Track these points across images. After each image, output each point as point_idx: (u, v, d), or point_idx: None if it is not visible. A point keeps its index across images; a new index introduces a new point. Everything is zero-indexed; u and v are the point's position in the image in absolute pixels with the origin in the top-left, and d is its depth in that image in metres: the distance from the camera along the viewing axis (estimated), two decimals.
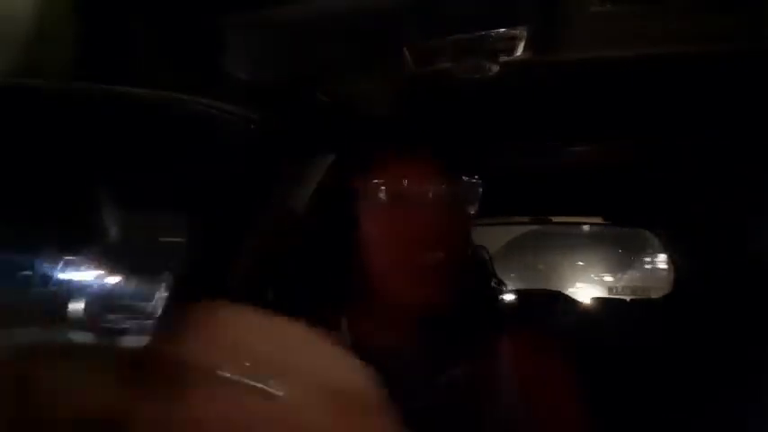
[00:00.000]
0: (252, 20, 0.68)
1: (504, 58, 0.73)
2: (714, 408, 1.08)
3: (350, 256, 0.71)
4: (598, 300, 1.87)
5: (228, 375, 0.23)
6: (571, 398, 0.71)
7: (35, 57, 0.70)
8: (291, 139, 1.09)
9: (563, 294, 1.82)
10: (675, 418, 1.18)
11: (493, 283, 0.78)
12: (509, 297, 1.76)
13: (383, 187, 0.70)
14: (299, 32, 0.70)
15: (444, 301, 0.69)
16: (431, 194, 0.69)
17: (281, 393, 0.23)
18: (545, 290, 2.08)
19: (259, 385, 0.23)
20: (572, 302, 1.72)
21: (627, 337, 1.38)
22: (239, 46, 0.73)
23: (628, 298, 1.87)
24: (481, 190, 0.72)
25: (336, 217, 0.75)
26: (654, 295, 1.98)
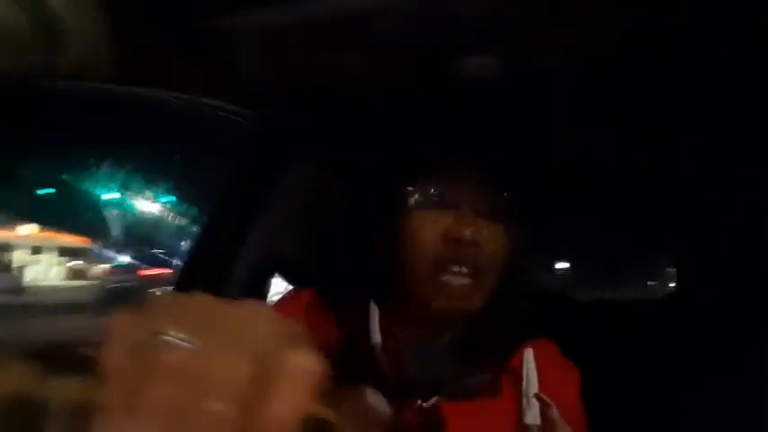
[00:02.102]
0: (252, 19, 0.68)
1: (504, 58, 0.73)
2: (714, 408, 1.08)
3: (386, 255, 0.72)
4: (597, 300, 1.87)
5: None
6: (581, 405, 0.74)
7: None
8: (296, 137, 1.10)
9: (562, 294, 1.82)
10: (675, 418, 1.18)
11: (521, 294, 0.78)
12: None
13: (423, 192, 0.71)
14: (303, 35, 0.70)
15: (475, 308, 0.70)
16: (471, 203, 0.69)
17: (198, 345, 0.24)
18: (544, 290, 2.07)
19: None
20: (571, 302, 1.72)
21: (627, 339, 1.38)
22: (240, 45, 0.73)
23: (628, 298, 1.87)
24: (516, 210, 0.72)
25: (376, 217, 0.76)
26: (654, 296, 1.98)
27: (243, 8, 0.66)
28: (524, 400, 0.68)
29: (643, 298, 1.90)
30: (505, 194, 0.72)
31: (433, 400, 0.68)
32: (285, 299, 0.85)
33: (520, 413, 0.68)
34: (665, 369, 1.27)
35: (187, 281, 1.10)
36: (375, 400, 0.64)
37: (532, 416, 0.67)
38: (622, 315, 1.63)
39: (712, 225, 1.46)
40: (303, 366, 0.25)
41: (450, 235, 0.68)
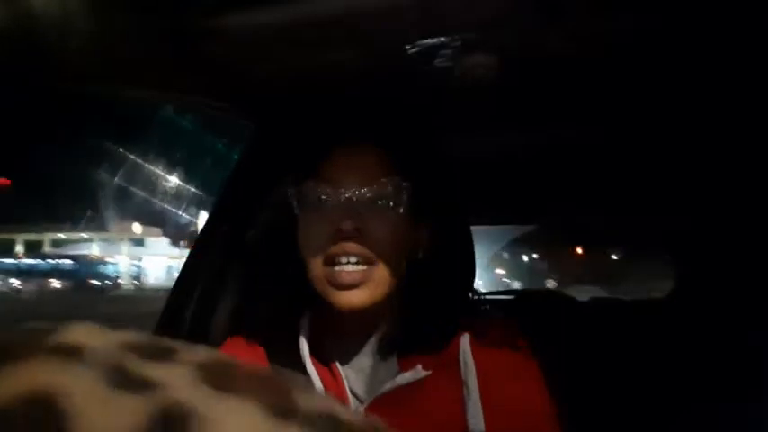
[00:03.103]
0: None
1: (504, 57, 0.73)
2: (714, 408, 1.08)
3: (293, 260, 0.72)
4: (597, 300, 1.87)
5: None
6: (530, 374, 0.70)
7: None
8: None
9: (562, 294, 1.82)
10: (675, 419, 1.18)
11: (455, 287, 0.76)
12: (505, 297, 1.77)
13: (308, 190, 0.70)
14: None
15: (379, 298, 0.69)
16: (349, 196, 0.68)
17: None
18: (544, 290, 2.07)
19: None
20: (571, 302, 1.72)
21: (626, 338, 1.38)
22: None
23: (628, 298, 1.87)
24: (409, 193, 0.70)
25: (277, 223, 0.76)
26: (655, 295, 1.97)
27: (242, 8, 0.66)
28: (464, 390, 0.68)
29: (639, 297, 1.90)
30: (403, 182, 0.70)
31: (367, 403, 0.68)
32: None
33: (462, 402, 0.67)
34: (664, 369, 1.27)
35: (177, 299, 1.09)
36: None
37: (475, 417, 0.66)
38: (618, 314, 1.63)
39: (712, 224, 1.46)
40: None
41: (330, 228, 0.67)
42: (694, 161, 1.22)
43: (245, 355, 0.74)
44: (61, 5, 0.63)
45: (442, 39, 0.69)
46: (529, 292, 1.94)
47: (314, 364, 0.71)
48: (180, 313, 1.07)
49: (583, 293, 2.07)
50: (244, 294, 1.05)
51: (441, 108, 0.98)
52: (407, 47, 0.71)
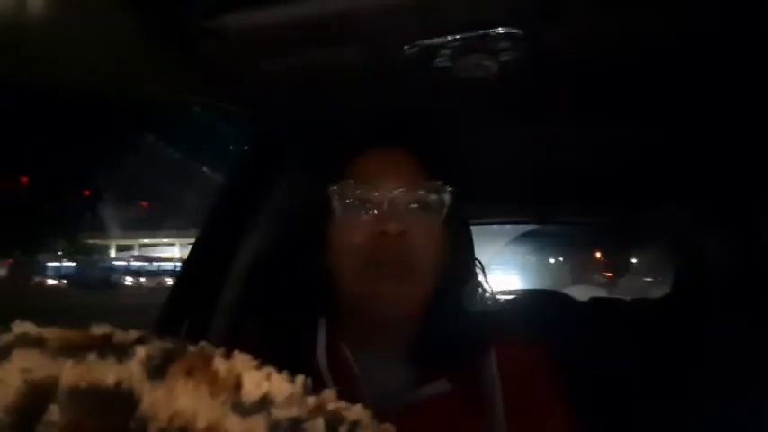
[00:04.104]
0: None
1: (504, 57, 0.73)
2: (714, 408, 1.08)
3: (320, 262, 0.69)
4: (597, 300, 1.87)
5: None
6: (557, 407, 0.68)
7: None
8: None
9: (562, 294, 1.81)
10: (674, 419, 1.18)
11: (480, 293, 0.74)
12: (506, 298, 1.77)
13: (346, 191, 0.68)
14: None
15: (414, 308, 0.67)
16: (393, 199, 0.65)
17: None
18: (544, 290, 2.07)
19: None
20: (570, 302, 1.72)
21: (627, 338, 1.38)
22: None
23: (628, 298, 1.86)
24: (452, 197, 0.68)
25: (307, 224, 0.73)
26: (654, 295, 1.97)
27: (242, 8, 0.66)
28: (489, 408, 0.65)
29: (641, 297, 1.90)
30: (442, 183, 0.68)
31: (387, 413, 0.66)
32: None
33: (486, 420, 0.65)
34: (663, 368, 1.27)
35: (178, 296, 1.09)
36: None
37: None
38: (619, 315, 1.62)
39: (711, 223, 1.46)
40: None
41: (374, 230, 0.64)
42: (695, 161, 1.22)
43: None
44: (61, 5, 0.63)
45: (442, 39, 0.69)
46: (529, 293, 1.94)
47: (330, 370, 0.67)
48: (178, 314, 1.07)
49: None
50: (254, 297, 1.05)
51: (441, 108, 0.98)
52: (407, 47, 0.71)
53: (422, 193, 0.67)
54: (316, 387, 0.66)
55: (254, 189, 1.12)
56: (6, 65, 0.73)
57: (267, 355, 0.74)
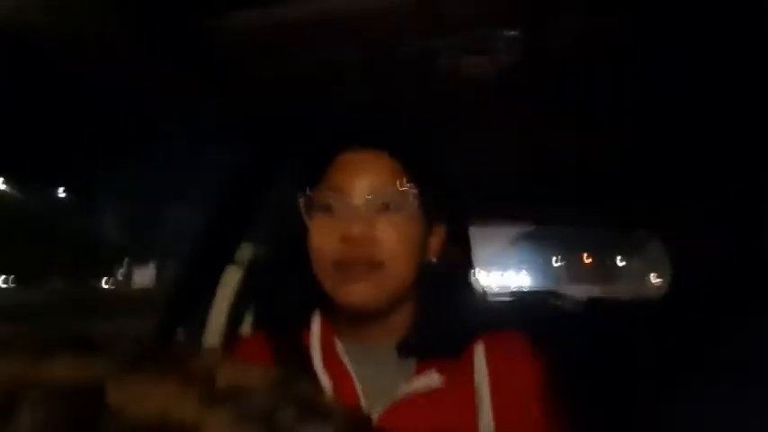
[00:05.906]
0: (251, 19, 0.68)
1: (503, 57, 0.73)
2: (713, 408, 1.08)
3: (305, 262, 0.71)
4: (595, 300, 1.87)
5: None
6: (543, 400, 0.70)
7: None
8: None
9: (561, 294, 1.82)
10: (673, 418, 1.18)
11: (470, 290, 0.76)
12: (504, 298, 1.77)
13: (312, 196, 0.70)
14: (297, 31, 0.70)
15: (386, 303, 0.69)
16: (356, 203, 0.68)
17: None
18: (543, 290, 2.08)
19: None
20: (571, 302, 1.72)
21: (624, 338, 1.38)
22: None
23: (625, 297, 1.87)
24: (418, 198, 0.69)
25: (289, 227, 0.76)
26: (652, 296, 1.98)
27: (242, 8, 0.66)
28: (477, 398, 0.68)
29: (637, 296, 1.90)
30: (412, 188, 0.69)
31: (380, 408, 0.67)
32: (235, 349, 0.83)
33: (474, 410, 0.67)
34: (663, 368, 1.27)
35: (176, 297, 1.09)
36: None
37: (486, 426, 0.66)
38: (616, 313, 1.63)
39: (711, 223, 1.46)
40: None
41: (338, 234, 0.67)
42: (695, 160, 1.22)
43: (255, 358, 0.74)
44: (61, 6, 0.63)
45: (442, 39, 0.69)
46: (529, 293, 1.95)
47: (325, 366, 0.71)
48: (176, 315, 1.07)
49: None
50: (249, 297, 1.05)
51: (440, 108, 0.98)
52: (407, 47, 0.71)
53: (388, 194, 0.69)
54: (309, 381, 0.66)
55: (254, 190, 1.13)
56: (6, 64, 0.73)
57: (265, 353, 0.75)
